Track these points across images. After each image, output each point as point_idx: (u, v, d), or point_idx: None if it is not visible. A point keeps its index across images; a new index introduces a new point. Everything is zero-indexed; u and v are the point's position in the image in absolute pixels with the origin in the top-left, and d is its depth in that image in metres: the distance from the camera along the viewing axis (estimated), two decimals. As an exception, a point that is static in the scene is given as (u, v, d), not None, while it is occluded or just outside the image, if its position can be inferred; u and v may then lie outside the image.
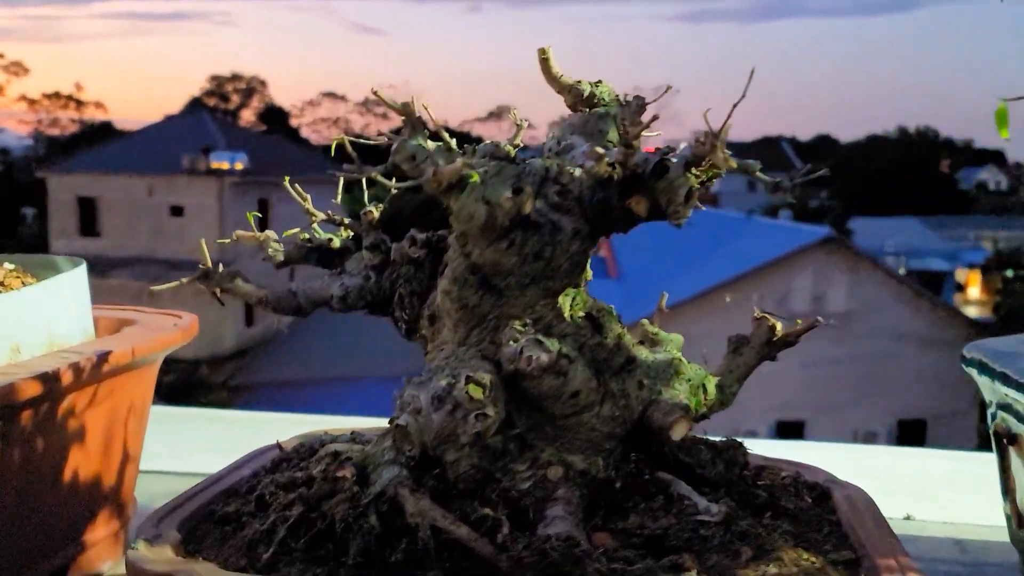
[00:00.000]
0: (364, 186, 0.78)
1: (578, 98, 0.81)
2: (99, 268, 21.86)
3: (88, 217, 23.59)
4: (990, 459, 1.66)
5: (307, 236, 0.87)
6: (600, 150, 0.65)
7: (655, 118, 0.66)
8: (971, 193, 44.73)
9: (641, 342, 0.81)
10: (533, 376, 0.69)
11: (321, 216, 0.85)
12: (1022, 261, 24.51)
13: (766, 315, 0.84)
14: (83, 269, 1.08)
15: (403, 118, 0.69)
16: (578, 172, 0.73)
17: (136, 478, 1.11)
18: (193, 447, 1.64)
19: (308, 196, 0.86)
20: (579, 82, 0.80)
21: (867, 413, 16.71)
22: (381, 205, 0.85)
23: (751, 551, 0.70)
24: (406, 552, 0.66)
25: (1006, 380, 0.90)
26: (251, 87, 47.63)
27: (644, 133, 0.71)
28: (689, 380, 0.79)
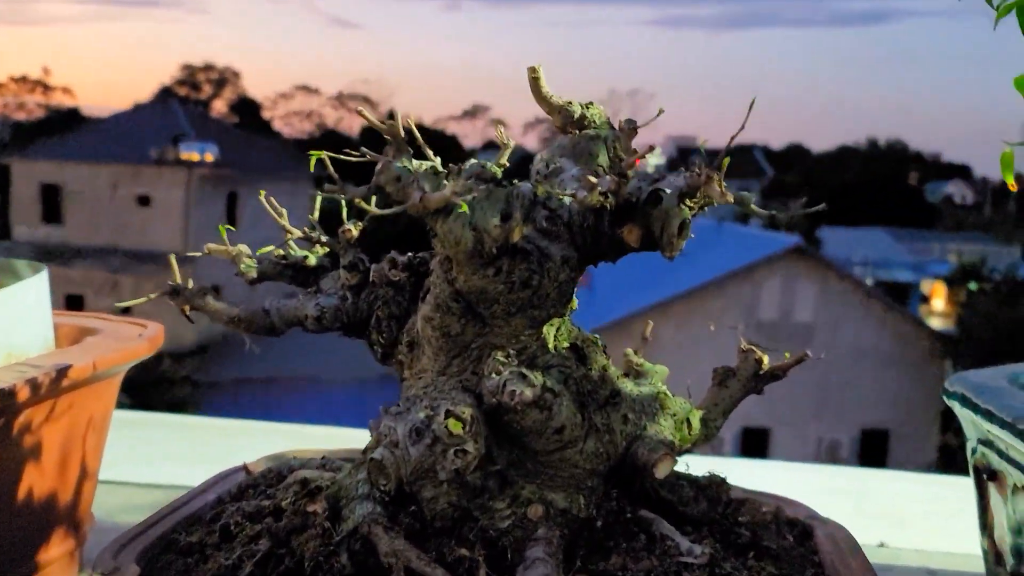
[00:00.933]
0: (344, 207, 0.75)
1: (568, 119, 0.78)
2: (62, 257, 21.49)
3: (51, 205, 23.17)
4: (960, 483, 1.67)
5: (281, 252, 0.84)
6: (593, 179, 0.63)
7: (651, 149, 0.63)
8: (938, 206, 45.47)
9: (626, 374, 0.78)
10: (516, 411, 0.66)
11: (297, 233, 0.82)
12: (984, 274, 24.94)
13: (753, 347, 0.82)
14: (44, 275, 1.03)
15: (388, 137, 0.66)
16: (568, 199, 0.70)
17: (94, 494, 1.07)
18: (154, 455, 1.59)
19: (284, 211, 0.83)
20: (570, 103, 0.78)
21: (831, 422, 16.91)
22: (360, 223, 0.82)
23: (735, 595, 0.68)
24: (379, 594, 0.63)
25: (990, 417, 0.89)
26: (224, 77, 47.12)
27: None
28: (674, 415, 0.76)
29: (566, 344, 0.74)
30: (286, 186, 24.04)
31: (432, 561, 0.64)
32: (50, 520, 0.97)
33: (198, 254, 0.82)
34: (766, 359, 0.81)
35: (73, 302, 21.23)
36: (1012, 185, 0.71)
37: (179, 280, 0.78)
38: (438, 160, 0.76)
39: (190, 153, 22.42)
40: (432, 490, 0.67)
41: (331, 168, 0.66)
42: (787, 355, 0.80)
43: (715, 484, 0.80)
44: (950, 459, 16.81)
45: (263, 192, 0.81)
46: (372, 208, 0.57)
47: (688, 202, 0.67)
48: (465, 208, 0.60)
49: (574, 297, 0.74)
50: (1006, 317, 16.96)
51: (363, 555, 0.65)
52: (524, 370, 0.68)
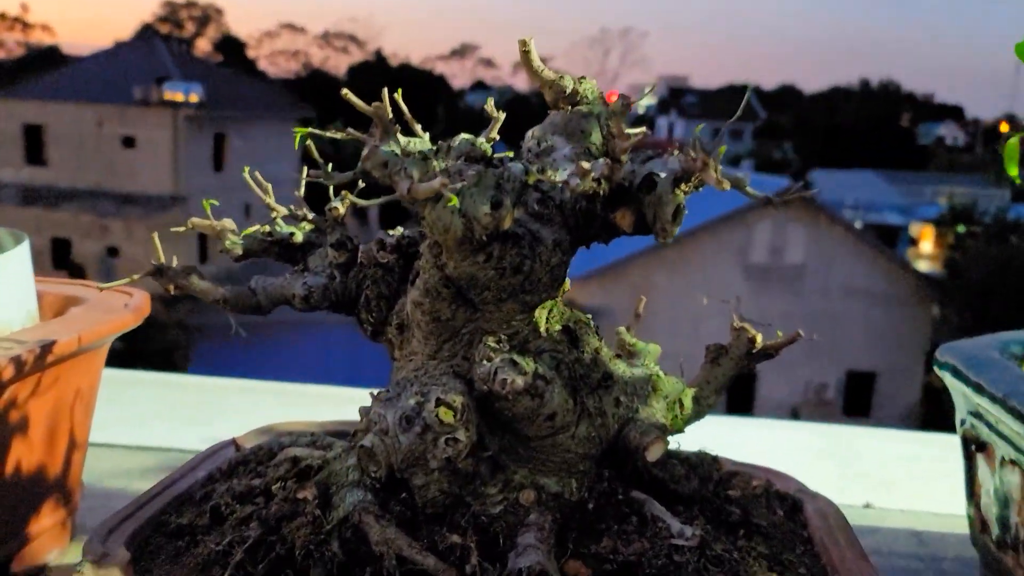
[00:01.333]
0: (331, 192, 0.73)
1: (560, 94, 0.76)
2: (48, 199, 21.26)
3: (35, 146, 22.83)
4: (945, 441, 1.68)
5: (268, 229, 0.82)
6: (586, 165, 0.61)
7: (644, 135, 0.61)
8: (929, 148, 45.31)
9: (618, 355, 0.78)
10: (507, 399, 0.66)
11: (283, 210, 0.80)
12: (974, 217, 24.97)
13: (745, 326, 0.81)
14: (26, 246, 1.01)
15: (376, 119, 0.64)
16: (559, 179, 0.69)
17: (83, 464, 1.07)
18: (142, 416, 1.58)
19: (269, 186, 0.81)
20: (562, 77, 0.75)
21: (819, 365, 17.08)
22: (347, 200, 0.80)
23: (725, 578, 0.68)
24: (370, 582, 0.63)
25: (980, 390, 0.89)
26: (207, 15, 46.11)
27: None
28: (666, 396, 0.76)
29: (558, 327, 0.73)
30: (274, 126, 23.74)
31: (424, 549, 0.64)
32: (40, 492, 0.97)
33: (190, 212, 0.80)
34: (759, 337, 0.80)
35: (60, 246, 21.08)
36: (1018, 178, 0.69)
37: (162, 258, 0.76)
38: (427, 137, 0.74)
39: (175, 93, 22.02)
40: (423, 477, 0.66)
41: (315, 152, 0.64)
42: (779, 334, 0.80)
43: (706, 462, 0.80)
44: (934, 400, 17.07)
45: (247, 168, 0.79)
46: (358, 200, 0.56)
47: (683, 186, 0.65)
48: (455, 200, 0.58)
49: (567, 279, 0.73)
50: (994, 257, 17.04)
51: (354, 543, 0.65)
52: (515, 356, 0.67)
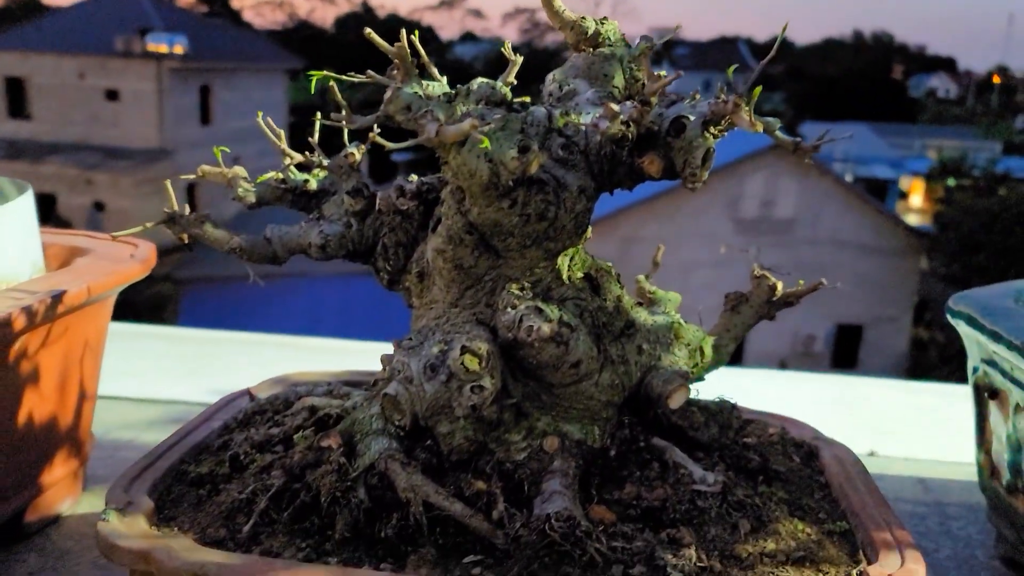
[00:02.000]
0: (344, 135, 0.71)
1: (581, 36, 0.74)
2: (32, 153, 20.97)
3: (17, 99, 22.44)
4: (947, 390, 1.70)
5: (281, 176, 0.80)
6: (614, 107, 0.60)
7: (677, 75, 0.60)
8: (921, 100, 45.12)
9: (639, 302, 0.77)
10: (533, 346, 0.65)
11: (298, 157, 0.78)
12: (964, 170, 24.96)
13: (766, 273, 0.81)
14: (30, 195, 0.99)
15: (398, 60, 0.62)
16: (584, 122, 0.67)
17: (93, 415, 1.06)
18: (146, 369, 1.58)
19: (282, 132, 0.79)
20: (583, 19, 0.74)
21: (807, 316, 17.17)
22: (363, 146, 0.78)
23: (748, 523, 0.68)
24: (397, 528, 0.63)
25: (996, 338, 0.89)
26: (190, -37, 45.00)
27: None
28: (688, 344, 0.76)
29: (580, 274, 0.72)
30: (261, 78, 23.37)
31: (450, 495, 0.64)
32: (52, 443, 0.97)
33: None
34: (780, 285, 0.80)
35: (45, 201, 20.85)
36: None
37: (175, 206, 0.75)
38: (445, 81, 0.73)
39: (158, 45, 21.59)
40: (448, 425, 0.66)
41: (339, 95, 0.62)
42: (800, 282, 0.79)
43: (725, 410, 0.80)
44: (921, 351, 17.23)
45: (260, 113, 0.77)
46: (386, 142, 0.54)
47: (712, 130, 0.64)
48: (487, 143, 0.57)
49: (589, 226, 0.72)
50: (982, 208, 17.08)
51: (380, 490, 0.65)
52: (540, 304, 0.66)
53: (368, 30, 0.60)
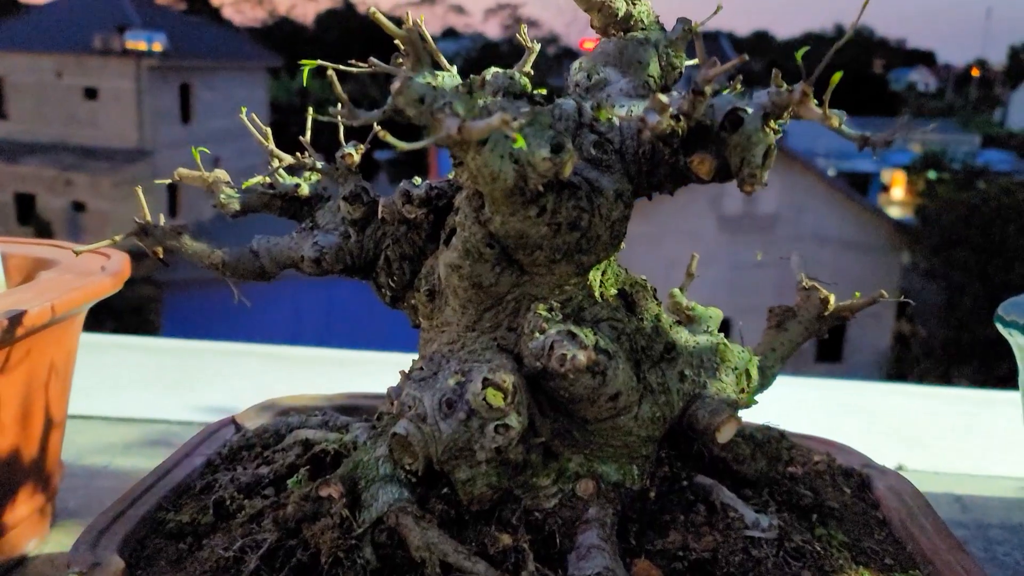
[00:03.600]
0: (340, 132, 0.62)
1: (611, 19, 0.65)
2: (8, 153, 20.66)
3: (-6, 98, 22.10)
4: (976, 397, 1.62)
5: (268, 180, 0.71)
6: (663, 98, 0.51)
7: (739, 61, 0.51)
8: (902, 94, 45.34)
9: (678, 320, 0.68)
10: (566, 377, 0.56)
11: (287, 159, 0.69)
12: (945, 163, 25.05)
13: (816, 285, 0.72)
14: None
15: (408, 46, 0.52)
16: (619, 117, 0.58)
17: (62, 444, 0.96)
18: (121, 383, 1.47)
19: (268, 130, 0.69)
20: (613, -1, 0.65)
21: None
22: (361, 146, 0.69)
23: (811, 575, 0.60)
24: (411, 593, 0.54)
25: (1058, 351, 0.81)
26: (168, -40, 44.52)
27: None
28: (735, 368, 0.67)
29: (613, 291, 0.63)
30: (241, 76, 23.11)
31: (472, 554, 0.55)
32: (15, 478, 0.87)
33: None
34: (832, 298, 0.71)
35: (24, 201, 20.55)
36: None
37: (147, 216, 0.65)
38: (455, 71, 0.63)
39: (137, 42, 21.29)
40: (468, 471, 0.57)
41: (339, 89, 0.53)
42: (857, 295, 0.71)
43: (773, 440, 0.71)
44: (903, 346, 17.28)
45: (244, 108, 0.68)
46: (397, 141, 0.45)
47: (772, 124, 0.55)
48: (521, 142, 0.48)
49: (625, 235, 0.63)
50: (962, 202, 17.11)
51: (390, 548, 0.56)
52: (573, 328, 0.57)
53: (373, 9, 0.50)
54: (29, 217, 20.04)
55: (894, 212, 24.37)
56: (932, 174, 24.73)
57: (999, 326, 0.92)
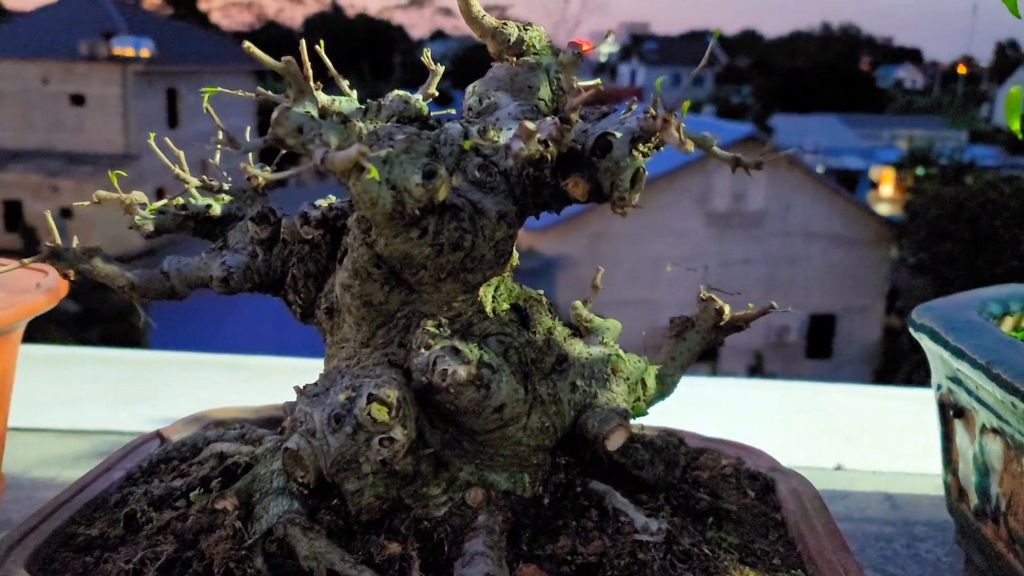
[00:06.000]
0: (249, 158, 0.64)
1: (504, 44, 0.67)
2: (-5, 160, 20.58)
3: (-21, 106, 22.01)
4: (916, 395, 1.65)
5: (181, 201, 0.73)
6: (530, 126, 0.53)
7: (597, 89, 0.54)
8: (889, 91, 45.54)
9: (574, 332, 0.71)
10: (449, 391, 0.58)
11: (196, 182, 0.71)
12: (932, 159, 25.17)
13: (712, 296, 0.74)
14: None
15: (288, 77, 0.55)
16: (504, 140, 0.61)
17: (1, 458, 0.98)
18: (72, 396, 1.49)
19: (181, 154, 0.71)
20: (505, 24, 0.67)
21: (780, 308, 17.22)
22: (268, 168, 0.71)
23: (694, 577, 0.62)
24: (300, 601, 0.56)
25: (960, 355, 0.84)
26: (154, -35, 44.42)
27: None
28: (627, 378, 0.69)
29: (506, 306, 0.66)
30: (228, 80, 23.11)
31: (359, 562, 0.57)
32: (-50, 493, 0.89)
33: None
34: (727, 309, 0.74)
35: (11, 208, 20.49)
36: (1020, 132, 0.63)
37: (57, 240, 0.67)
38: (354, 95, 0.66)
39: (123, 48, 21.25)
40: (356, 482, 0.59)
41: (217, 119, 0.55)
42: (750, 305, 0.73)
43: (671, 446, 0.74)
44: (893, 340, 17.35)
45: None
46: (262, 173, 0.47)
47: (641, 147, 0.58)
48: (374, 172, 0.50)
49: (514, 253, 0.65)
50: (950, 195, 17.20)
51: (280, 558, 0.58)
52: (457, 343, 0.60)
53: (247, 44, 0.53)
54: (17, 224, 19.98)
55: (882, 209, 24.47)
56: (920, 170, 24.85)
57: (911, 330, 0.95)
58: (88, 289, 0.85)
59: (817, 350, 18.06)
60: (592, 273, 0.77)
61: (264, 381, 1.64)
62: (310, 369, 1.74)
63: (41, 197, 20.02)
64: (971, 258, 16.20)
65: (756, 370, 15.66)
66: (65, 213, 19.95)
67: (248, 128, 0.73)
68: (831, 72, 40.76)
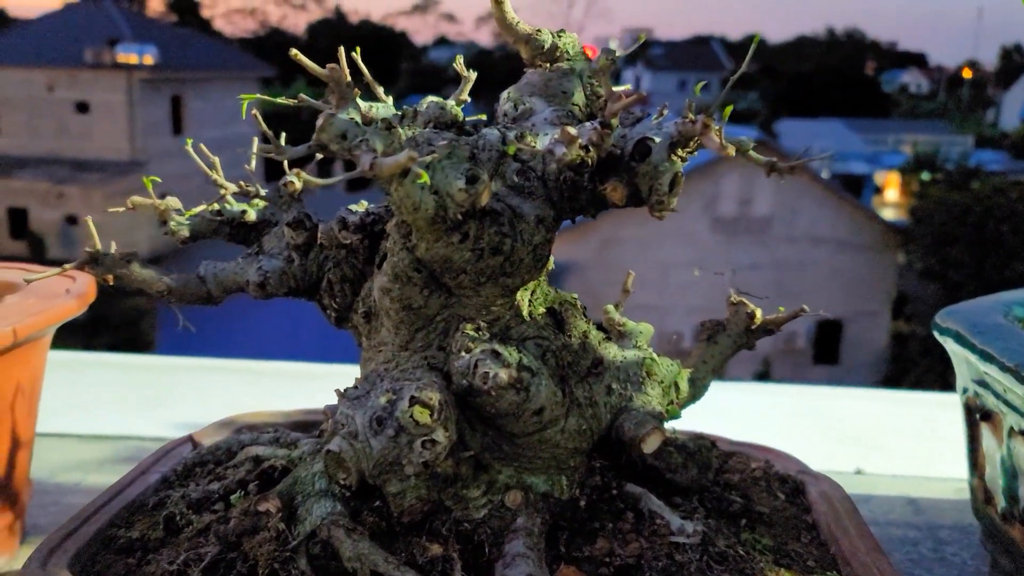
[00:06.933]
0: (285, 167, 0.65)
1: (537, 51, 0.68)
2: (2, 167, 20.67)
3: (-15, 113, 22.12)
4: (929, 399, 1.65)
5: (217, 207, 0.74)
6: (572, 131, 0.54)
7: (638, 96, 0.54)
8: (893, 96, 45.51)
9: (608, 336, 0.71)
10: (490, 394, 0.59)
11: (232, 188, 0.72)
12: (937, 164, 25.15)
13: (744, 300, 0.75)
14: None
15: (332, 84, 0.56)
16: (541, 145, 0.61)
17: (30, 462, 0.99)
18: (94, 401, 1.50)
19: (216, 160, 0.72)
20: (539, 31, 0.68)
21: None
22: (304, 173, 0.72)
23: (731, 578, 0.63)
24: (343, 602, 0.57)
25: (988, 358, 0.84)
26: (160, -27, 44.68)
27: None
28: (661, 381, 0.70)
29: (542, 310, 0.66)
30: (233, 87, 23.16)
31: (402, 563, 0.58)
32: (-18, 497, 0.89)
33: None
34: (759, 312, 0.74)
35: (16, 215, 20.56)
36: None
37: (98, 245, 0.68)
38: (391, 102, 0.67)
39: (128, 56, 21.34)
40: (398, 484, 0.60)
41: (263, 125, 0.56)
42: (781, 309, 0.74)
43: (704, 449, 0.74)
44: (901, 345, 17.30)
45: (190, 135, 0.71)
46: (313, 179, 0.48)
47: (680, 152, 0.58)
48: (425, 177, 0.51)
49: (550, 257, 0.66)
50: (956, 201, 17.18)
51: (324, 559, 0.58)
52: (497, 346, 0.60)
53: (295, 51, 0.54)
54: (23, 232, 20.06)
55: (888, 214, 24.44)
56: (925, 175, 24.83)
57: (936, 333, 0.95)
58: (99, 296, 0.86)
59: (825, 356, 18.03)
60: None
61: (277, 385, 1.65)
62: (323, 374, 1.75)
63: (47, 204, 20.09)
64: (979, 263, 16.16)
65: (764, 376, 15.63)
66: (71, 220, 20.02)
67: (255, 138, 0.74)
68: (836, 77, 40.77)
